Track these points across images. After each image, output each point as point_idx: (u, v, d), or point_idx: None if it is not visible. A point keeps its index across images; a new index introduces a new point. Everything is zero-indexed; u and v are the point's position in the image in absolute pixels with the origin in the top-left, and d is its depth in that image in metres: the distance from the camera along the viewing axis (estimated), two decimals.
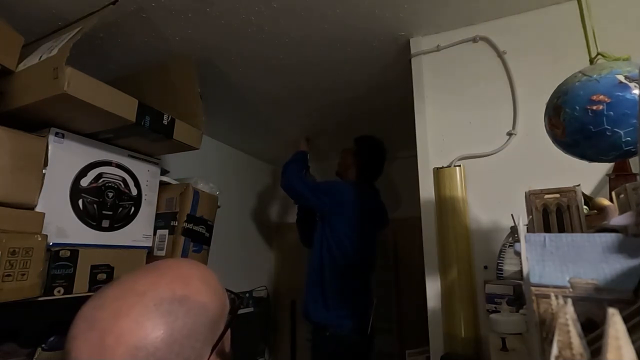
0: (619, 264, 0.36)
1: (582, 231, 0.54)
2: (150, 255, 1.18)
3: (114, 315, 0.41)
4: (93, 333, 0.40)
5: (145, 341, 0.40)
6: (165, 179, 1.29)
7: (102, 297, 0.44)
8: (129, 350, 0.40)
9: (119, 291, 0.44)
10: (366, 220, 1.63)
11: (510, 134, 1.05)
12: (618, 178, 0.78)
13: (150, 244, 1.18)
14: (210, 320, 0.47)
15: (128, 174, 1.12)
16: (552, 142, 0.63)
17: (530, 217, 0.59)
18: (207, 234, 1.30)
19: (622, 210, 0.51)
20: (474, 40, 1.14)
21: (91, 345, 0.40)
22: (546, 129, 0.64)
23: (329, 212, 1.62)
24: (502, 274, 0.85)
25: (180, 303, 0.44)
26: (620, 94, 0.51)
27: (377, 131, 1.89)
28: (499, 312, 0.74)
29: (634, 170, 0.77)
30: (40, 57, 0.87)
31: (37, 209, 0.89)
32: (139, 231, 1.14)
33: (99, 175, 1.04)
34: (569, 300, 0.28)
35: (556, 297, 0.33)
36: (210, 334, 0.46)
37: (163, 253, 1.19)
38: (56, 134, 0.94)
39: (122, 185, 1.10)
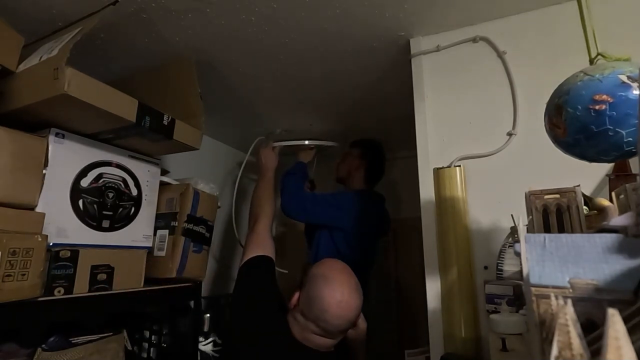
0: (619, 265, 0.36)
1: (582, 231, 0.54)
2: (150, 256, 1.18)
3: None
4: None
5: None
6: (165, 179, 1.29)
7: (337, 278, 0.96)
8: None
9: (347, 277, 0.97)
10: (372, 230, 1.63)
11: (510, 134, 1.05)
12: (618, 178, 0.78)
13: (150, 244, 1.18)
14: None
15: (128, 174, 1.12)
16: (552, 142, 0.63)
17: (530, 217, 0.59)
18: (207, 234, 1.30)
19: (622, 210, 0.51)
20: (474, 40, 1.14)
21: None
22: (546, 129, 0.64)
23: (336, 226, 1.57)
24: (502, 274, 0.85)
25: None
26: (623, 94, 0.51)
27: (377, 132, 1.89)
28: (499, 312, 0.74)
29: (634, 170, 0.77)
30: (41, 57, 0.87)
31: (37, 209, 0.89)
32: (139, 231, 1.14)
33: (99, 176, 1.04)
34: (569, 301, 0.28)
35: (556, 297, 0.33)
36: None
37: (163, 253, 1.19)
38: (56, 134, 0.94)
39: (123, 186, 1.10)
